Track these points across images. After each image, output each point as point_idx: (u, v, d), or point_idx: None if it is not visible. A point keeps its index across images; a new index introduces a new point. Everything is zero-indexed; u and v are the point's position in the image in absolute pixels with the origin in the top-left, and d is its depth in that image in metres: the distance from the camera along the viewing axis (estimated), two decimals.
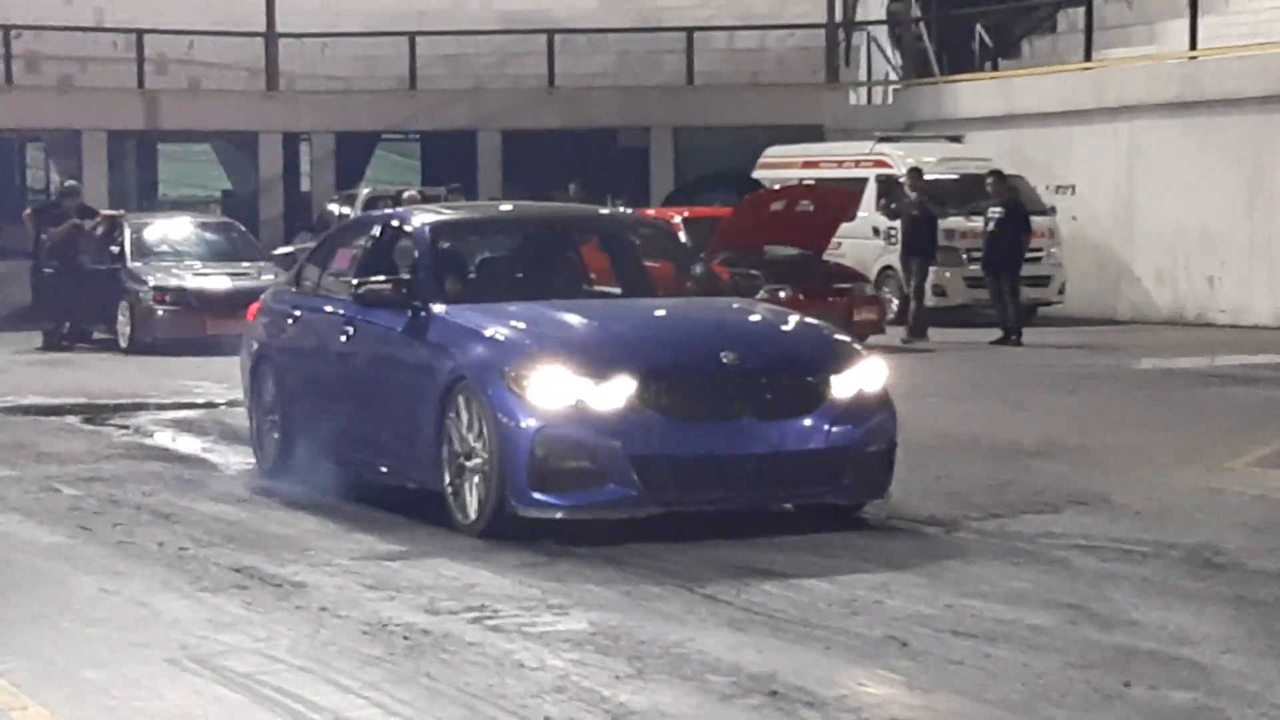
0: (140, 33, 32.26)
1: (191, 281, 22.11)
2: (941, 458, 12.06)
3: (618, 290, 11.30)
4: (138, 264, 22.64)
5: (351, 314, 10.65)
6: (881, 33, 34.59)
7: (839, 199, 23.06)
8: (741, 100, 32.48)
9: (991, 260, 22.74)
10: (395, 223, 11.22)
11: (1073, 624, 7.49)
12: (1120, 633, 7.35)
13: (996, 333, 22.51)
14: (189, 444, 13.31)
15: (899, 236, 24.03)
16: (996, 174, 23.38)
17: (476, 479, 9.32)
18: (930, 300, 23.89)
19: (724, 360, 9.40)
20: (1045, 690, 6.49)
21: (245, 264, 22.84)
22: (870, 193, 26.27)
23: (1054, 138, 27.94)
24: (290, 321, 11.47)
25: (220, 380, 16.60)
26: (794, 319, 10.41)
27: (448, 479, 9.52)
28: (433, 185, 29.86)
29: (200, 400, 15.99)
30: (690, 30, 33.18)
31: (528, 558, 8.88)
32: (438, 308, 10.03)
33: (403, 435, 9.99)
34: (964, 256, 25.06)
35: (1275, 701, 6.34)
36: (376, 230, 11.26)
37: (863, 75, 34.34)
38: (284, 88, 32.97)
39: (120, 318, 22.17)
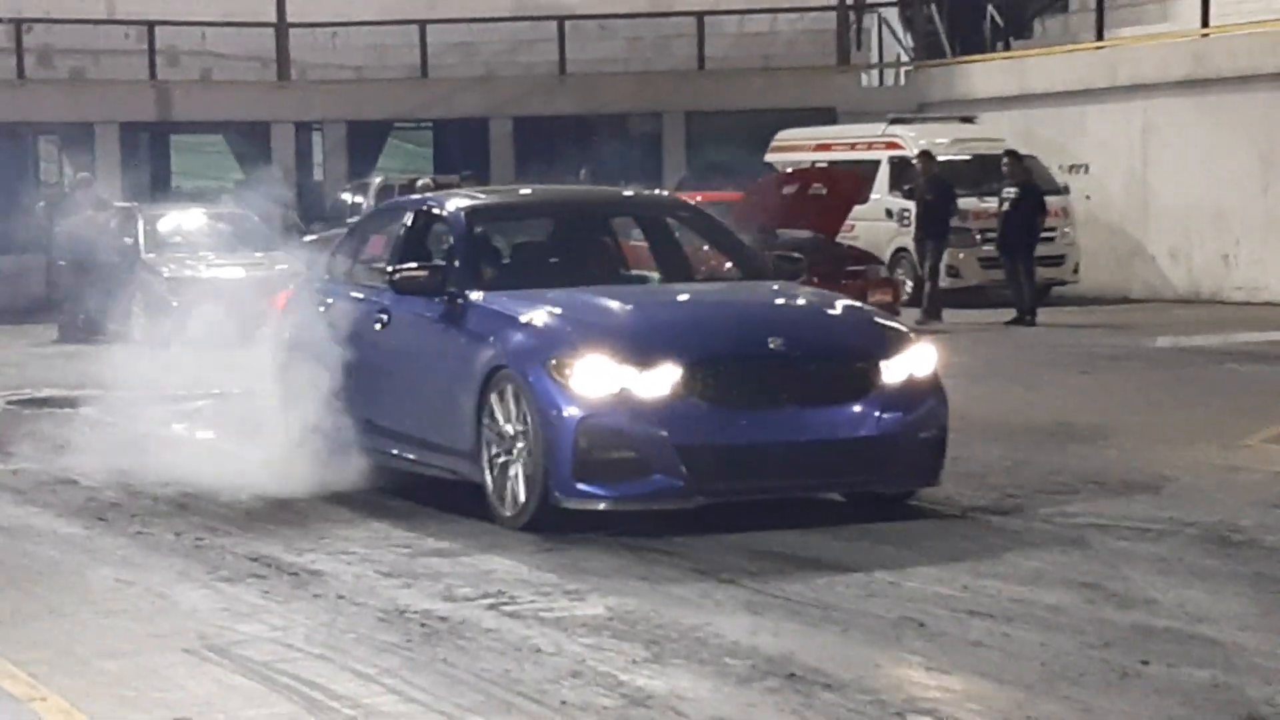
0: (151, 24, 32.27)
1: (205, 272, 22.12)
2: (957, 439, 12.00)
3: (655, 275, 11.13)
4: (151, 255, 22.66)
5: (386, 302, 10.46)
6: (893, 14, 34.51)
7: (852, 181, 23.03)
8: (753, 84, 32.44)
9: (1006, 240, 22.71)
10: (429, 208, 10.97)
11: (1090, 603, 7.48)
12: (1138, 611, 7.34)
13: (1011, 313, 22.48)
14: (204, 434, 13.32)
15: (913, 218, 24.00)
16: (1011, 154, 23.33)
17: (519, 471, 9.17)
18: (945, 281, 23.85)
19: (771, 346, 9.24)
20: (1063, 669, 6.49)
21: (259, 254, 22.85)
22: (883, 175, 26.24)
23: (1067, 117, 27.87)
24: (322, 310, 11.23)
25: (235, 370, 16.61)
26: (841, 303, 10.20)
27: (488, 471, 9.36)
28: (445, 173, 29.86)
29: (215, 391, 16.01)
30: (700, 15, 33.12)
31: (544, 543, 8.89)
32: (475, 295, 9.86)
33: (440, 426, 9.81)
34: (978, 237, 25.02)
35: None
36: (410, 216, 11.00)
37: (874, 57, 34.26)
38: (295, 78, 32.98)
39: (134, 310, 22.19)
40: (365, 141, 34.12)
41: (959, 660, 6.66)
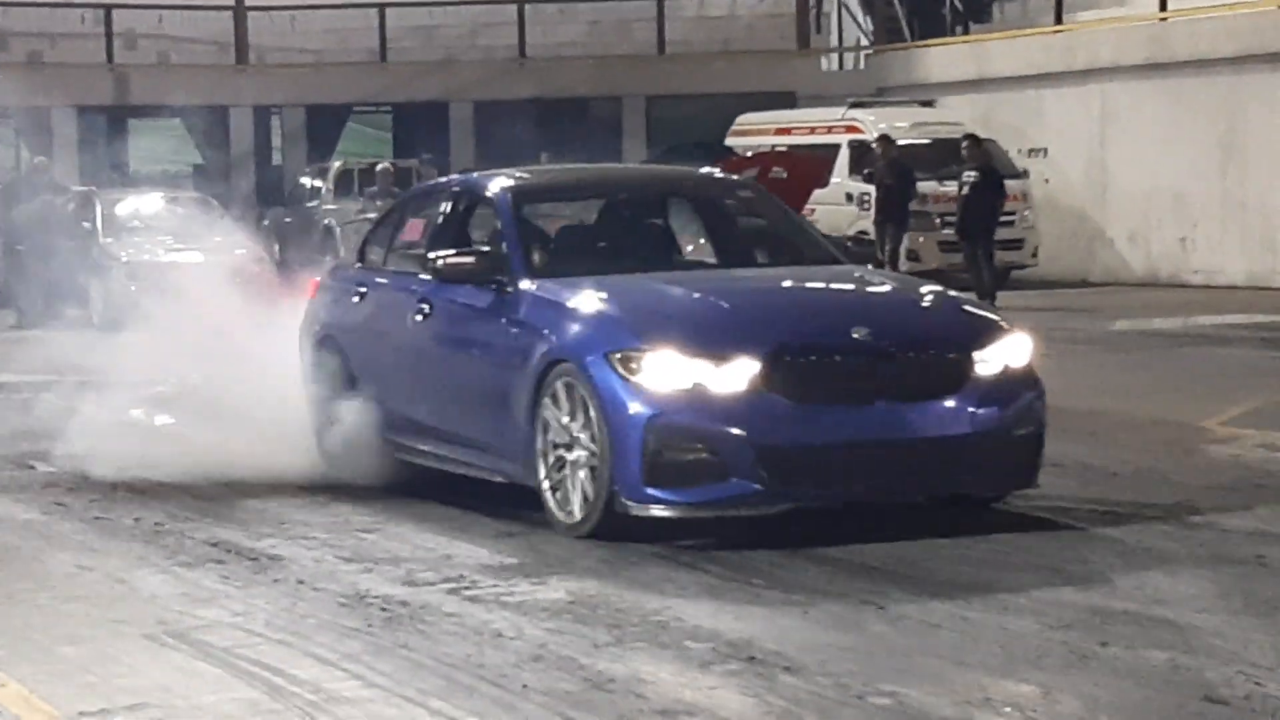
0: (109, 8, 32.13)
1: (164, 257, 22.02)
2: None
3: (713, 260, 10.33)
4: (109, 240, 22.56)
5: (426, 291, 9.76)
6: None
7: (812, 165, 23.05)
8: (712, 68, 32.45)
9: (966, 224, 22.75)
10: (470, 188, 10.35)
11: (1050, 586, 7.51)
12: (1097, 594, 7.37)
13: (971, 296, 22.51)
14: (163, 420, 13.26)
15: (872, 202, 24.05)
16: (971, 138, 23.38)
17: (581, 474, 8.50)
18: (904, 265, 23.90)
19: (855, 337, 8.53)
20: (1023, 652, 6.51)
21: (218, 239, 22.76)
22: (843, 159, 26.28)
23: (1026, 101, 27.94)
24: (355, 300, 10.54)
25: (193, 356, 16.54)
26: (926, 289, 9.51)
27: (544, 474, 8.69)
28: (405, 158, 29.80)
29: (174, 377, 15.94)
30: None
31: (504, 527, 8.88)
32: (526, 283, 9.18)
33: (490, 425, 9.12)
34: (938, 221, 25.08)
35: (1251, 660, 6.37)
36: (449, 197, 10.37)
37: (834, 41, 34.31)
38: (254, 61, 32.87)
39: (93, 294, 22.09)
40: (324, 126, 34.02)
41: (919, 643, 6.67)
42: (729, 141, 28.51)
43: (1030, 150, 27.42)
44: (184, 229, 23.12)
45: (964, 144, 23.19)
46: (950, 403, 8.51)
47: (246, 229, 24.94)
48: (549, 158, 27.53)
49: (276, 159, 34.48)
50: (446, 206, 10.28)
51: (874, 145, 24.45)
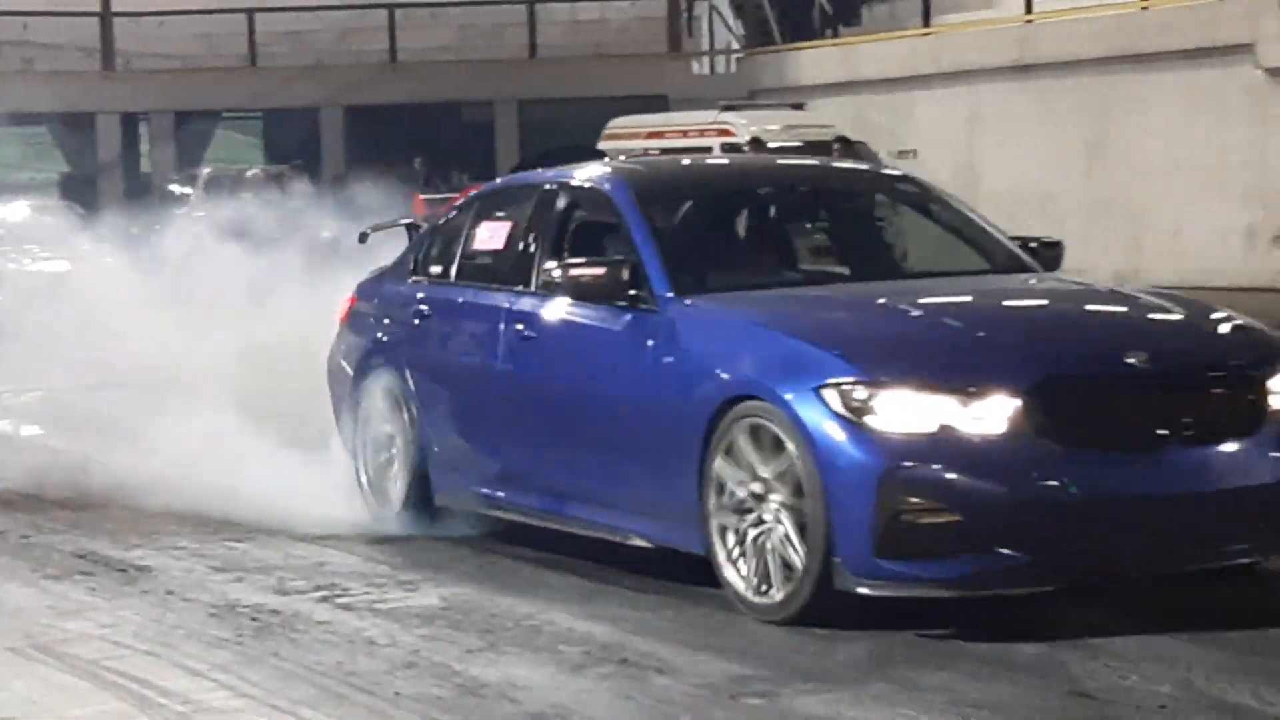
0: None
1: (30, 266, 21.72)
2: None
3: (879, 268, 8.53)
4: None
5: (526, 311, 8.18)
6: (723, 2, 34.71)
7: None
8: (585, 72, 32.48)
9: None
10: (571, 184, 8.55)
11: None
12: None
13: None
14: (30, 431, 13.09)
15: None
16: (842, 140, 23.60)
17: (776, 541, 6.89)
18: None
19: (1132, 363, 6.86)
20: (888, 650, 6.56)
21: (86, 247, 22.46)
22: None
23: (895, 103, 28.20)
24: (418, 322, 8.91)
25: (63, 365, 16.34)
26: (1186, 301, 7.78)
27: (718, 540, 7.09)
28: (276, 164, 29.59)
29: (42, 387, 15.73)
30: (532, 2, 33.13)
31: (377, 535, 8.83)
32: (675, 300, 7.54)
33: (632, 477, 7.55)
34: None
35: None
36: (540, 196, 8.61)
37: (705, 44, 34.46)
38: (121, 67, 32.50)
39: None
40: (193, 132, 33.74)
41: (793, 642, 6.70)
42: (601, 145, 28.53)
43: (900, 151, 27.66)
44: (50, 237, 22.84)
45: (835, 146, 23.37)
46: (1246, 444, 6.85)
47: (115, 237, 24.67)
48: (422, 163, 27.48)
49: (145, 166, 34.12)
50: (537, 207, 8.55)
51: (745, 148, 24.56)
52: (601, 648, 6.67)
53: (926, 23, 28.73)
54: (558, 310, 8.02)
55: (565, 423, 7.94)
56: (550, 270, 7.94)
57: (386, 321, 9.18)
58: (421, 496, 8.75)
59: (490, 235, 8.87)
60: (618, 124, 28.93)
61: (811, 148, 25.65)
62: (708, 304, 7.55)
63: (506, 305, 8.33)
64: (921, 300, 7.62)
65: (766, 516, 6.93)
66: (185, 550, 8.67)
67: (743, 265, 8.20)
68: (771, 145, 24.44)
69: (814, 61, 30.33)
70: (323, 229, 14.33)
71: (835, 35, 31.72)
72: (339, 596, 7.60)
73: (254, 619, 7.23)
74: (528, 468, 8.19)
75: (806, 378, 6.82)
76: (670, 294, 7.57)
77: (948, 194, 8.94)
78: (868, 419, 6.66)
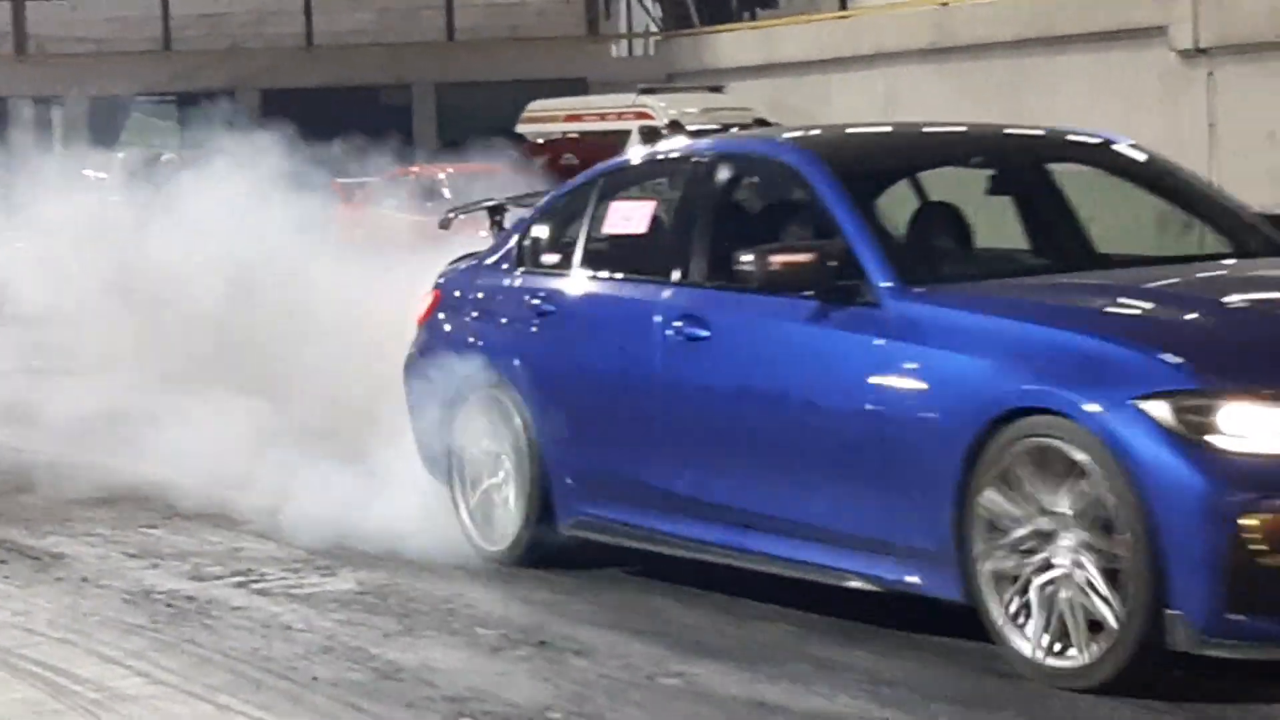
0: None
1: None
2: None
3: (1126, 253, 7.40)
4: None
5: (694, 306, 6.90)
6: None
7: (603, 152, 23.10)
8: (503, 55, 32.42)
9: None
10: (739, 154, 7.43)
11: None
12: None
13: None
14: None
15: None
16: (760, 123, 23.63)
17: (1071, 591, 5.68)
18: None
19: None
20: (814, 623, 6.59)
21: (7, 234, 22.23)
22: (633, 144, 26.38)
23: (813, 85, 28.28)
24: (536, 321, 7.61)
25: None
26: None
27: (988, 588, 5.89)
28: (193, 149, 29.37)
29: None
30: None
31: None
32: (900, 294, 6.30)
33: (856, 506, 6.31)
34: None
35: None
36: (697, 169, 7.31)
37: (623, 27, 34.44)
38: (33, 51, 32.18)
39: None
40: (107, 116, 33.45)
41: (709, 623, 6.72)
42: (520, 129, 28.50)
43: None
44: None
45: (753, 129, 23.43)
46: None
47: (28, 221, 24.42)
48: (342, 144, 27.30)
49: (58, 151, 33.82)
50: (691, 184, 7.31)
51: (664, 131, 24.56)
52: (520, 630, 6.67)
53: (844, 6, 28.84)
54: (739, 305, 6.74)
55: (755, 439, 6.62)
56: (742, 258, 6.53)
57: (489, 321, 7.87)
58: (541, 526, 7.48)
59: (627, 217, 7.58)
60: (537, 107, 28.90)
61: (729, 130, 25.74)
62: (949, 295, 6.30)
63: (663, 299, 7.02)
64: (1231, 290, 6.36)
65: (1059, 560, 5.70)
66: (100, 537, 8.61)
67: (968, 249, 7.06)
68: (691, 128, 24.46)
69: (732, 44, 30.38)
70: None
71: (753, 18, 31.79)
72: (255, 582, 7.57)
73: (169, 605, 7.19)
74: (697, 493, 6.86)
75: (1120, 386, 5.58)
76: (893, 284, 6.32)
77: (1182, 169, 7.61)
78: (1210, 438, 5.46)
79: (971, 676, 5.99)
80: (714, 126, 26.03)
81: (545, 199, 8.24)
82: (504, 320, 7.79)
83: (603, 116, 27.75)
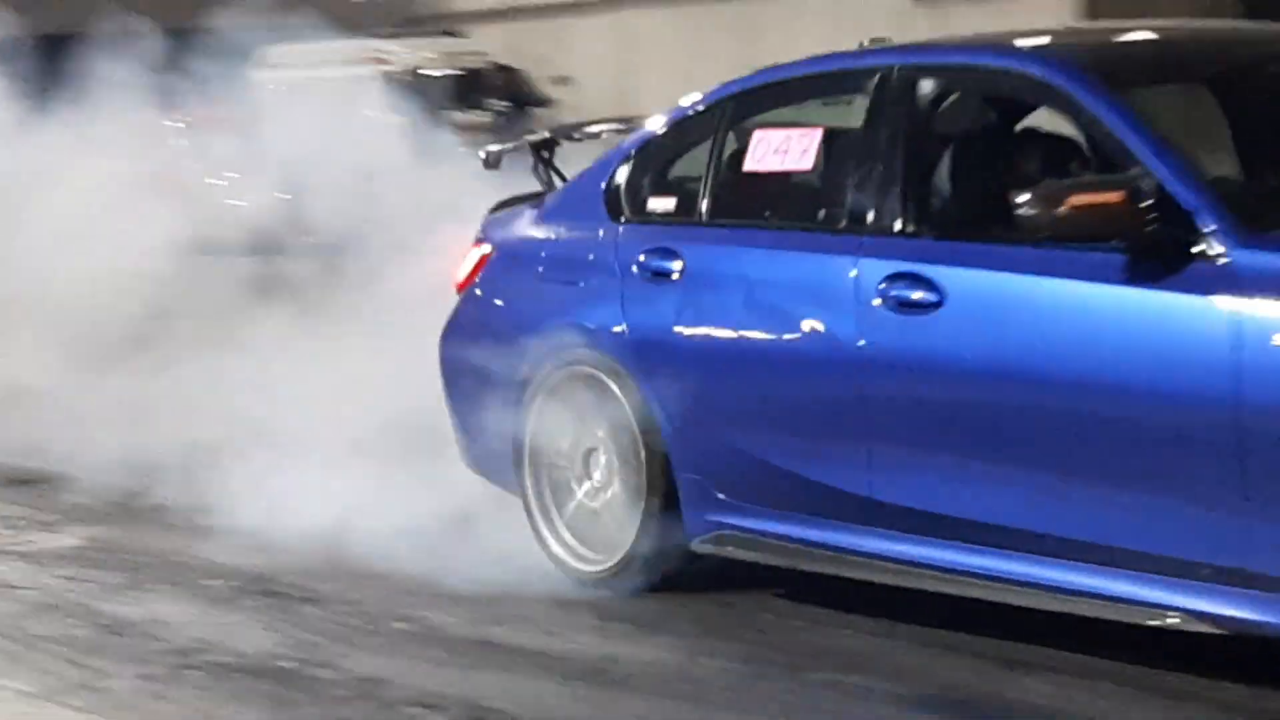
0: None
1: None
2: None
3: None
4: None
5: (917, 264, 5.41)
6: None
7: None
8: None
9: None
10: (958, 65, 5.88)
11: None
12: None
13: None
14: None
15: None
16: (502, 68, 23.57)
17: None
18: None
19: None
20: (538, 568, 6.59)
21: None
22: (371, 91, 26.12)
23: (553, 30, 28.23)
24: (652, 281, 6.13)
25: None
26: None
27: None
28: None
29: None
30: None
31: (15, 475, 8.54)
32: (1263, 242, 4.87)
33: (1190, 527, 4.89)
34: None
35: None
36: (889, 87, 5.72)
37: None
38: None
39: None
40: None
41: (438, 566, 6.62)
42: (256, 75, 28.01)
43: (557, 78, 27.72)
44: None
45: (496, 72, 23.36)
46: None
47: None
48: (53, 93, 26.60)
49: None
50: (880, 107, 5.73)
51: (407, 77, 24.36)
52: (250, 579, 6.61)
53: None
54: (989, 261, 5.27)
55: (1028, 437, 5.18)
56: (1020, 200, 5.07)
57: (574, 284, 6.39)
58: (660, 540, 6.06)
59: (781, 150, 6.00)
60: (273, 53, 28.42)
61: (469, 76, 25.59)
62: None
63: (858, 255, 5.56)
64: None
65: None
66: None
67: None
68: (435, 74, 24.29)
69: None
70: None
71: None
72: None
73: None
74: (925, 503, 5.42)
75: None
76: (1237, 231, 4.87)
77: None
78: None
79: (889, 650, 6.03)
80: (459, 71, 25.88)
81: (638, 132, 6.59)
82: (597, 283, 6.28)
83: (341, 63, 27.40)
